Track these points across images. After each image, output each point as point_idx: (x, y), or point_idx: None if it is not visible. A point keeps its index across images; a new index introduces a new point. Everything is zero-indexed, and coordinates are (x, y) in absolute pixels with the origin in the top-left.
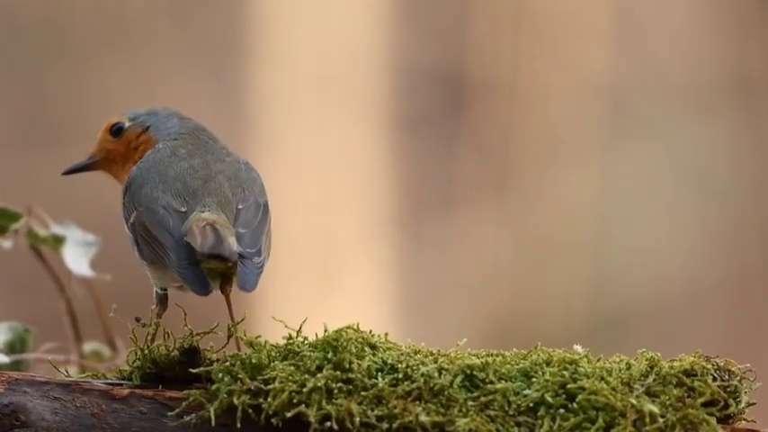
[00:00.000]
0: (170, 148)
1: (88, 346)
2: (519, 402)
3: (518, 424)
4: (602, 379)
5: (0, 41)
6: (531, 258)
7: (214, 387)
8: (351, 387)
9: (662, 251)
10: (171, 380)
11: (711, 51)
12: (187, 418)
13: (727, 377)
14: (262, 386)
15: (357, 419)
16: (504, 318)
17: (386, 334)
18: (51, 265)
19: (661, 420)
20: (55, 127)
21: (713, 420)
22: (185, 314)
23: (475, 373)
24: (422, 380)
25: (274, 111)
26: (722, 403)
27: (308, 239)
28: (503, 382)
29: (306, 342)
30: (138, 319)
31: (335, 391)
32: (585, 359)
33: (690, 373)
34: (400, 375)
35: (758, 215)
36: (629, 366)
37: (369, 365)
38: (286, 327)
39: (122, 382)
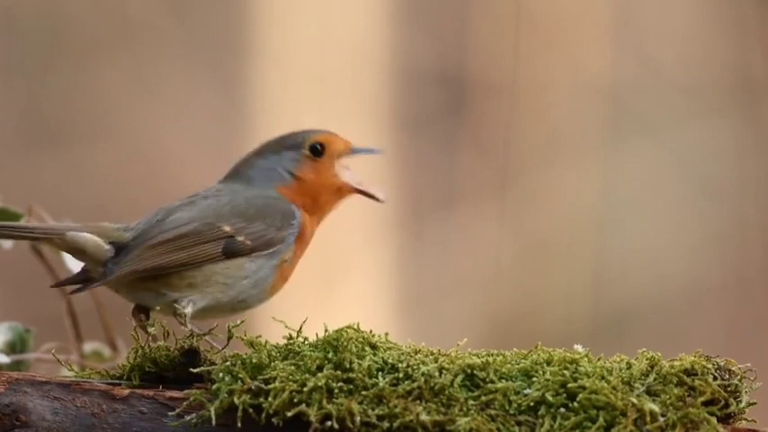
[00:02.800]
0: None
1: (89, 346)
2: (520, 401)
3: (519, 423)
4: (603, 378)
5: (0, 42)
6: (532, 258)
7: (215, 387)
8: (351, 386)
9: (663, 251)
10: (171, 380)
11: (712, 51)
12: (188, 418)
13: (727, 376)
14: (262, 386)
15: (358, 419)
16: (504, 317)
17: (386, 334)
18: (52, 266)
19: (662, 419)
20: (55, 127)
21: (714, 419)
22: (186, 316)
23: (475, 372)
24: (422, 379)
25: (275, 110)
26: (723, 402)
27: None
28: (503, 381)
29: (306, 342)
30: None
31: (336, 391)
32: (586, 359)
33: (690, 372)
34: (401, 375)
35: (759, 215)
36: (629, 366)
37: (369, 365)
38: (286, 327)
39: (121, 382)
